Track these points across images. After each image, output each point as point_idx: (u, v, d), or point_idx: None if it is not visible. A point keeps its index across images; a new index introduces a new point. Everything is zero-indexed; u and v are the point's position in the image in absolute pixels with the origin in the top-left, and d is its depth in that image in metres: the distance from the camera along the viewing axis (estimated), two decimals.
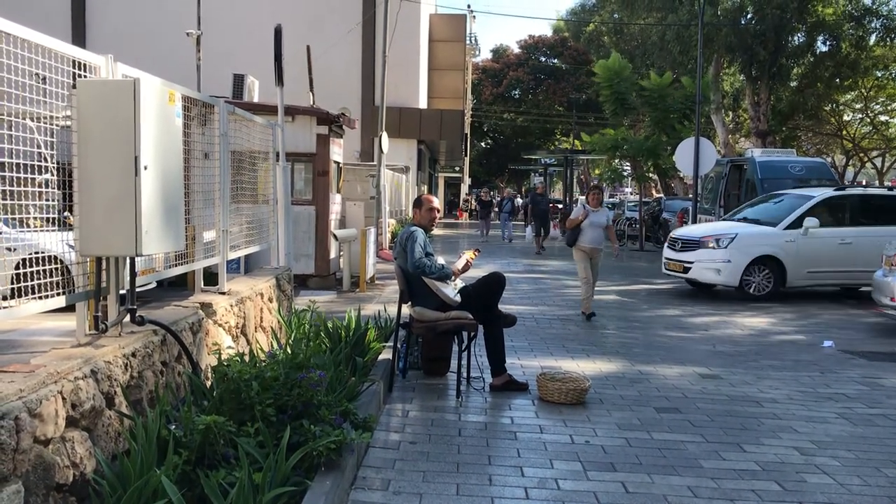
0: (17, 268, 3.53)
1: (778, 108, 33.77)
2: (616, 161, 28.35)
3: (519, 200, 42.07)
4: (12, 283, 3.49)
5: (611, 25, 38.96)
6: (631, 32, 36.29)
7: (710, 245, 12.47)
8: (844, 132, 39.70)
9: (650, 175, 29.11)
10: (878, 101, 38.23)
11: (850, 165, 44.41)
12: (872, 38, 31.03)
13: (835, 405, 6.07)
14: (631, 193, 50.19)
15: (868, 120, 39.28)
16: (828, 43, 31.05)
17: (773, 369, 7.28)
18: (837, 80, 32.65)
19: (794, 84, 33.60)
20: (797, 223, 12.34)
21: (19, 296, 3.51)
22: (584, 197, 15.04)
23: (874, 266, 11.83)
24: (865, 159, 41.67)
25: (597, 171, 47.66)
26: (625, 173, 34.82)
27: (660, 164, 25.04)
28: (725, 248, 12.26)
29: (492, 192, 38.93)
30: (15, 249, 3.76)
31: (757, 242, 12.38)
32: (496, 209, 37.46)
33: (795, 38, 30.53)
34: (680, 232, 13.87)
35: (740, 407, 5.93)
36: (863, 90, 36.38)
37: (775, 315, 10.81)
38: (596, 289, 13.11)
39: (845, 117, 40.43)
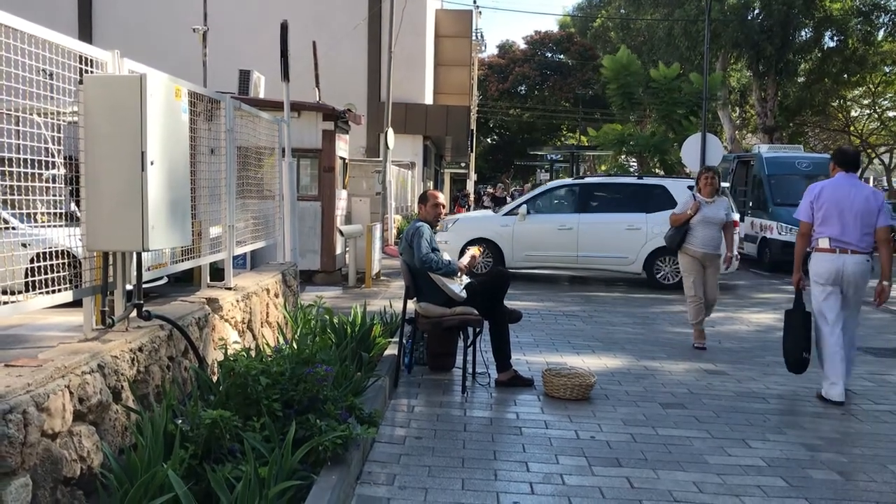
0: (30, 262, 3.55)
1: (785, 104, 33.67)
2: (622, 157, 28.31)
3: None
4: (25, 279, 3.51)
5: (617, 21, 38.89)
6: (638, 28, 36.22)
7: (442, 228, 13.63)
8: (852, 128, 39.55)
9: (657, 171, 29.08)
10: (885, 97, 38.07)
11: None
12: (880, 34, 30.93)
13: None
14: None
15: (876, 116, 39.12)
16: (835, 38, 30.97)
17: (778, 365, 7.25)
18: (845, 75, 32.56)
19: (801, 80, 33.51)
20: (517, 210, 13.24)
21: (27, 290, 3.53)
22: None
23: (597, 251, 12.93)
24: (873, 155, 41.51)
25: (603, 167, 47.60)
26: (631, 169, 34.77)
27: (666, 159, 25.01)
28: (447, 231, 13.38)
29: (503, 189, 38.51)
30: (28, 245, 3.79)
31: (472, 227, 13.49)
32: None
33: (802, 33, 30.45)
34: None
35: (746, 403, 5.92)
36: (870, 86, 36.25)
37: (781, 312, 10.76)
38: (598, 284, 13.19)
39: (853, 113, 40.29)
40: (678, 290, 12.63)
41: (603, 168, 47.22)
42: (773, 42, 28.29)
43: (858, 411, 5.77)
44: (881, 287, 5.89)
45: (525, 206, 13.28)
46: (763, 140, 30.01)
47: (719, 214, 7.80)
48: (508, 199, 29.42)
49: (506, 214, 13.36)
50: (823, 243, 5.96)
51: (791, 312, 6.31)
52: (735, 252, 7.91)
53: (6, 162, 3.44)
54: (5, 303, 3.30)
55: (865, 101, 39.04)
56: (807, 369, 6.22)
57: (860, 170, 6.89)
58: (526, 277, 13.79)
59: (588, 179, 14.37)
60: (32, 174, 3.61)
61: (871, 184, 47.95)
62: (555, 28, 58.93)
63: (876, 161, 43.19)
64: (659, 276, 12.90)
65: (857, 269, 5.87)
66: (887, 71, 34.68)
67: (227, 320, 5.41)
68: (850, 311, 6.01)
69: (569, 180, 14.57)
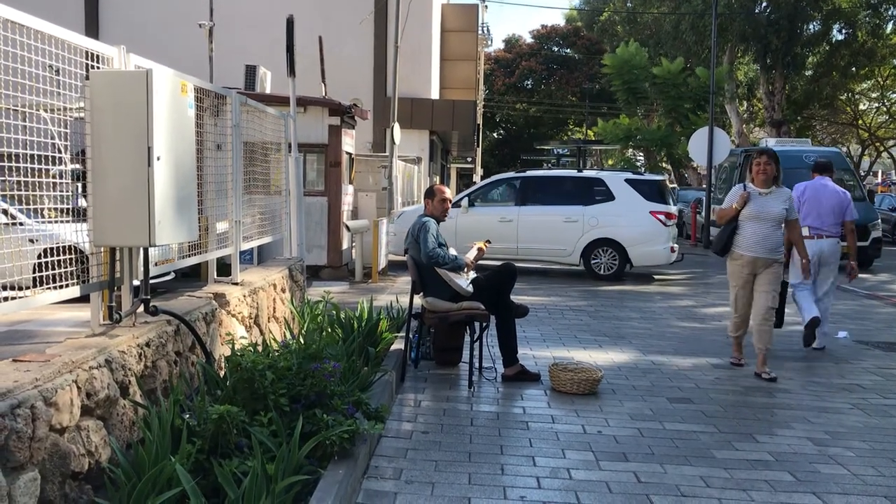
0: (37, 258, 3.56)
1: (793, 98, 33.52)
2: (629, 151, 28.26)
3: None
4: (32, 274, 3.52)
5: (624, 14, 38.77)
6: (644, 21, 36.08)
7: (393, 221, 14.10)
8: (860, 121, 39.38)
9: (664, 165, 29.02)
10: (894, 90, 37.88)
11: (865, 155, 44.09)
12: (889, 26, 30.73)
13: (849, 396, 6.04)
14: None
15: (884, 109, 38.92)
16: (843, 31, 30.78)
17: (786, 360, 7.25)
18: (853, 68, 32.38)
19: (809, 73, 33.35)
20: (460, 202, 13.46)
21: (35, 286, 3.54)
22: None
23: (536, 243, 13.24)
24: (882, 149, 41.31)
25: (610, 162, 47.49)
26: (638, 163, 34.68)
27: (673, 153, 24.97)
28: (394, 222, 13.72)
29: None
30: (36, 240, 3.80)
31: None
32: None
33: (810, 26, 30.27)
34: None
35: (753, 397, 5.92)
36: (879, 79, 36.09)
37: (789, 305, 10.72)
38: (605, 280, 13.15)
39: (861, 106, 40.11)
40: (617, 281, 12.87)
41: (610, 163, 47.13)
42: (780, 35, 28.13)
43: (866, 405, 5.76)
44: (850, 266, 7.69)
45: (467, 198, 13.62)
46: (771, 134, 29.86)
47: (775, 209, 6.37)
48: None
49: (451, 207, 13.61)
50: (805, 231, 7.38)
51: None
52: (803, 258, 6.78)
53: (13, 158, 3.45)
54: (13, 298, 3.31)
55: (874, 95, 38.87)
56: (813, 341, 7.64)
57: (832, 172, 8.19)
58: (533, 272, 13.78)
59: (529, 173, 14.60)
60: (40, 170, 3.62)
61: (879, 178, 47.85)
62: (561, 22, 58.80)
63: (884, 155, 42.96)
64: (596, 267, 13.09)
65: (831, 248, 7.67)
66: None
67: (234, 315, 5.42)
68: (828, 283, 7.75)
69: (511, 174, 14.82)
